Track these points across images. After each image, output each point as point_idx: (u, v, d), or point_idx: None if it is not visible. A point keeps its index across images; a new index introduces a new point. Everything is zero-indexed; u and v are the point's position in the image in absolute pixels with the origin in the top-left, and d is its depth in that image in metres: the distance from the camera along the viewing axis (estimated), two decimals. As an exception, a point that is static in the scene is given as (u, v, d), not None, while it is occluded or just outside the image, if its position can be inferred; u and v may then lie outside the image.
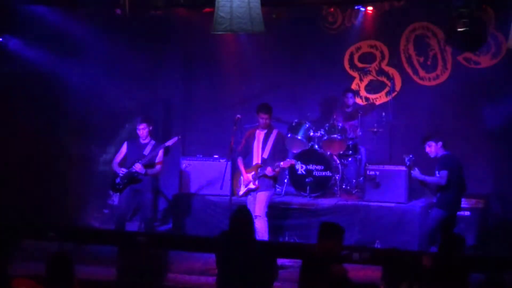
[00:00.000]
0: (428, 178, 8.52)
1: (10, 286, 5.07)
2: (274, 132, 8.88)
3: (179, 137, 9.34)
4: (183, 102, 11.50)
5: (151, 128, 9.18)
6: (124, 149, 9.21)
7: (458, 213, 8.88)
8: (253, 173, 8.79)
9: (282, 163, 8.68)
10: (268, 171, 8.67)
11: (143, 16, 9.99)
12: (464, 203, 9.24)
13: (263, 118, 8.79)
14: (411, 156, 8.59)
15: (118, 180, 9.08)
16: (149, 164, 9.06)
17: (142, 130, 9.13)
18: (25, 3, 9.82)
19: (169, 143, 9.13)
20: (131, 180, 9.06)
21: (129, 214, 9.51)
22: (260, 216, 8.64)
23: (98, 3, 9.68)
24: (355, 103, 10.82)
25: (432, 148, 8.33)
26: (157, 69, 11.24)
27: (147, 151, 9.12)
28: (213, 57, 11.25)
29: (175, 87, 11.41)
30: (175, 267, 8.01)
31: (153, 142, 9.18)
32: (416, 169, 8.49)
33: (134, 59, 10.78)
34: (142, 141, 9.18)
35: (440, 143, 8.29)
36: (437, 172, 8.33)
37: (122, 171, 9.03)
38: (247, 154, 8.98)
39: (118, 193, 9.24)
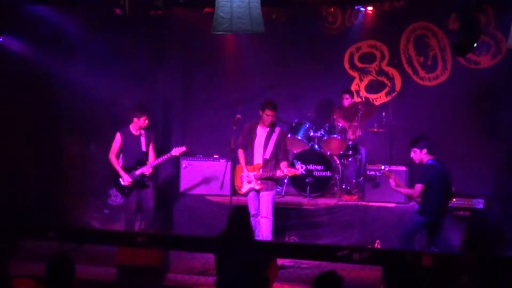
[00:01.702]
0: (402, 190, 8.49)
1: (10, 286, 5.07)
2: (277, 131, 8.76)
3: (186, 147, 9.37)
4: (183, 102, 11.49)
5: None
6: (117, 141, 9.28)
7: (458, 213, 8.88)
8: (255, 173, 8.77)
9: (286, 170, 8.62)
10: (279, 172, 8.62)
11: (143, 16, 9.99)
12: (464, 203, 9.24)
13: (269, 115, 8.63)
14: (383, 167, 8.61)
15: (123, 183, 9.19)
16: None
17: (144, 121, 9.25)
18: (25, 3, 9.82)
19: (176, 152, 9.24)
20: (138, 184, 9.21)
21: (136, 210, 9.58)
22: (266, 217, 8.64)
23: (98, 3, 9.67)
24: (352, 104, 10.80)
25: (416, 155, 8.12)
26: (157, 69, 11.24)
27: (142, 144, 9.25)
28: (213, 57, 11.24)
29: (175, 87, 11.41)
30: (175, 267, 8.01)
31: (143, 132, 9.30)
32: (391, 180, 8.33)
33: (134, 59, 10.77)
34: (135, 132, 9.27)
35: (424, 150, 8.06)
36: None
37: (127, 179, 9.13)
38: (247, 148, 8.86)
39: (124, 197, 9.37)
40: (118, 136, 9.31)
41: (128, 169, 9.23)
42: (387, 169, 8.61)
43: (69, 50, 10.40)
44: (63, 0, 10.01)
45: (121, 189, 9.32)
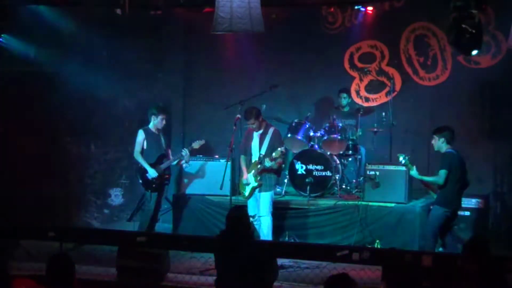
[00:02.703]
0: (426, 177, 8.55)
1: (10, 286, 5.07)
2: (271, 130, 8.91)
3: (204, 141, 9.55)
4: (183, 102, 11.49)
5: None
6: (142, 137, 9.34)
7: (458, 212, 8.89)
8: (253, 171, 8.85)
9: (274, 153, 8.65)
10: (267, 161, 8.67)
11: (143, 16, 9.99)
12: (464, 203, 9.23)
13: (248, 124, 8.85)
14: (405, 155, 8.60)
15: (150, 178, 9.23)
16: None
17: (161, 121, 9.36)
18: (25, 3, 9.82)
19: (196, 145, 9.50)
20: (164, 179, 9.33)
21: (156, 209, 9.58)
22: (264, 216, 8.72)
23: (98, 3, 9.68)
24: (350, 103, 10.81)
25: (435, 142, 8.38)
26: (157, 69, 11.24)
27: (163, 143, 9.39)
28: (213, 57, 11.24)
29: (175, 87, 11.41)
30: (175, 267, 8.01)
31: (160, 133, 9.43)
32: (414, 168, 8.51)
33: (134, 59, 10.78)
34: (155, 132, 9.38)
35: (442, 139, 8.29)
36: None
37: (154, 173, 9.20)
38: (247, 153, 9.03)
39: (152, 192, 9.33)
40: (141, 133, 9.36)
41: (152, 165, 9.29)
42: (407, 157, 8.62)
43: (69, 50, 10.40)
44: (63, 0, 10.01)
45: (149, 184, 9.29)
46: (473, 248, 5.46)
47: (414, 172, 8.50)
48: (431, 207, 8.61)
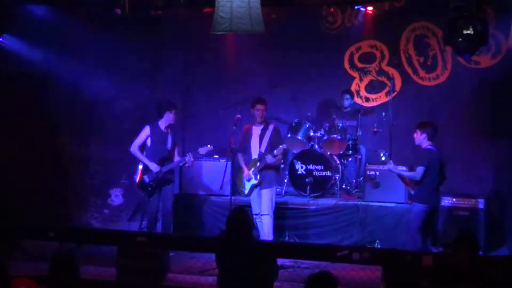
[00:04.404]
0: (403, 172, 8.54)
1: (10, 286, 5.07)
2: (271, 127, 8.88)
3: (212, 147, 9.19)
4: (183, 102, 11.49)
5: None
6: (145, 133, 9.13)
7: (457, 213, 8.89)
8: (252, 169, 8.80)
9: (275, 150, 8.60)
10: (269, 158, 8.63)
11: (143, 16, 9.99)
12: (464, 203, 9.23)
13: (259, 110, 8.78)
14: (385, 152, 8.64)
15: (147, 180, 9.09)
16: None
17: (174, 116, 9.14)
18: (25, 3, 9.82)
19: (203, 151, 9.11)
20: (162, 182, 9.13)
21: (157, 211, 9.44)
22: (267, 214, 8.71)
23: (98, 3, 9.67)
24: (352, 104, 10.82)
25: (417, 136, 8.31)
26: (157, 69, 11.23)
27: (169, 143, 9.17)
28: (213, 57, 11.24)
29: (175, 87, 11.40)
30: (175, 267, 8.01)
31: (169, 130, 9.22)
32: (391, 162, 8.49)
33: (134, 59, 10.77)
34: (164, 129, 9.19)
35: (424, 135, 8.23)
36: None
37: (156, 168, 9.01)
38: (246, 150, 8.98)
39: (146, 194, 9.17)
40: (147, 129, 9.11)
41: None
42: (386, 154, 8.63)
43: (69, 50, 10.40)
44: (63, 0, 10.01)
45: (144, 186, 9.14)
46: (460, 244, 5.49)
47: (392, 166, 8.47)
48: (410, 205, 8.56)
